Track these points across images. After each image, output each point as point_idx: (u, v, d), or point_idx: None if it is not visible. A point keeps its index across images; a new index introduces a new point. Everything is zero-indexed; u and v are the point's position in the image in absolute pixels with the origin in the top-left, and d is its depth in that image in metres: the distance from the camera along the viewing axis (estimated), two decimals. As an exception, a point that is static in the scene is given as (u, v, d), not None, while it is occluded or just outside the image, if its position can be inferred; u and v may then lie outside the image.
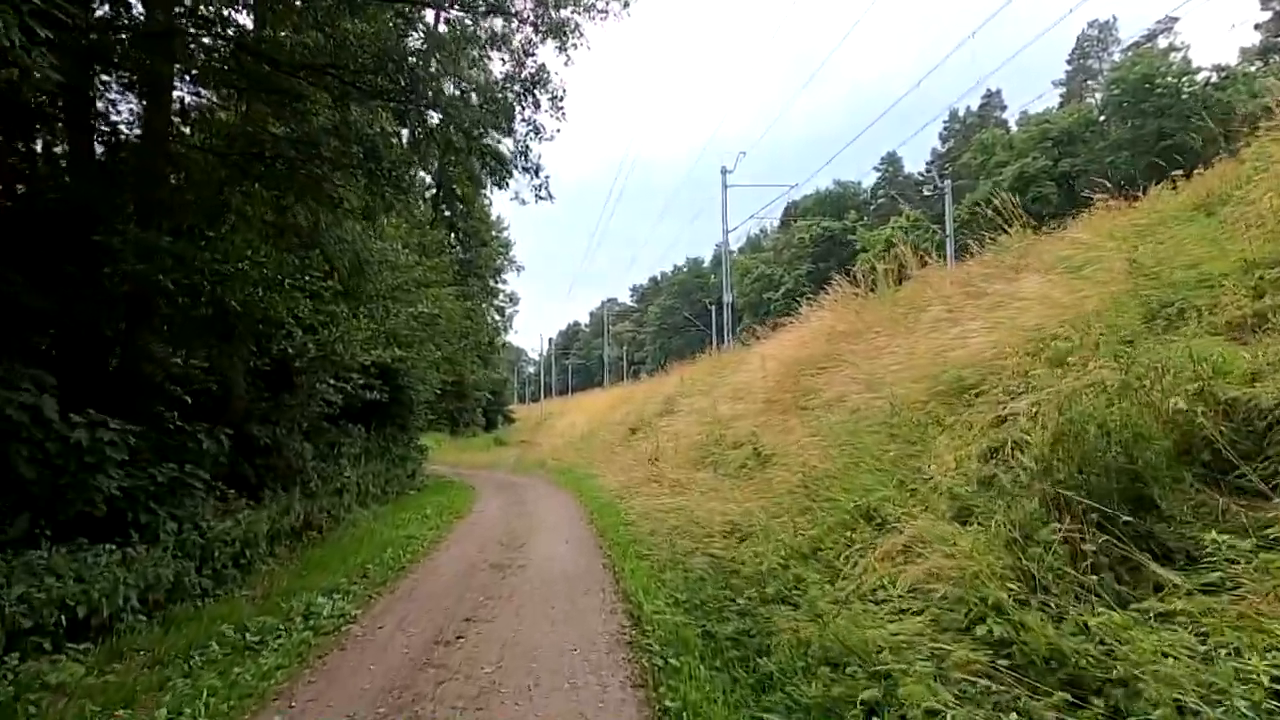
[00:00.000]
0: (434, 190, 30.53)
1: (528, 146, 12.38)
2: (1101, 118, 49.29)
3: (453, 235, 30.32)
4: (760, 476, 9.14)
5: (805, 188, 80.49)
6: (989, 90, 68.67)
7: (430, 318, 14.12)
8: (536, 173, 12.33)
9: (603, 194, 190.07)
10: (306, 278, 9.69)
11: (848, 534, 5.63)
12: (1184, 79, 43.90)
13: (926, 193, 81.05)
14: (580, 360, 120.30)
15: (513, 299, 51.31)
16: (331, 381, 10.68)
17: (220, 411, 10.64)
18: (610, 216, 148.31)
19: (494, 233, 43.01)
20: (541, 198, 12.10)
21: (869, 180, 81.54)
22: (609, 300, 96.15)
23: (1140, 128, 45.72)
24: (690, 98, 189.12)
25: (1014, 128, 58.95)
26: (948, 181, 36.99)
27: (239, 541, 8.31)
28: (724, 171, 34.52)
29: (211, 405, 10.50)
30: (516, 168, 12.47)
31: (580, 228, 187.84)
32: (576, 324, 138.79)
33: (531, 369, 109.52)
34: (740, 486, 9.07)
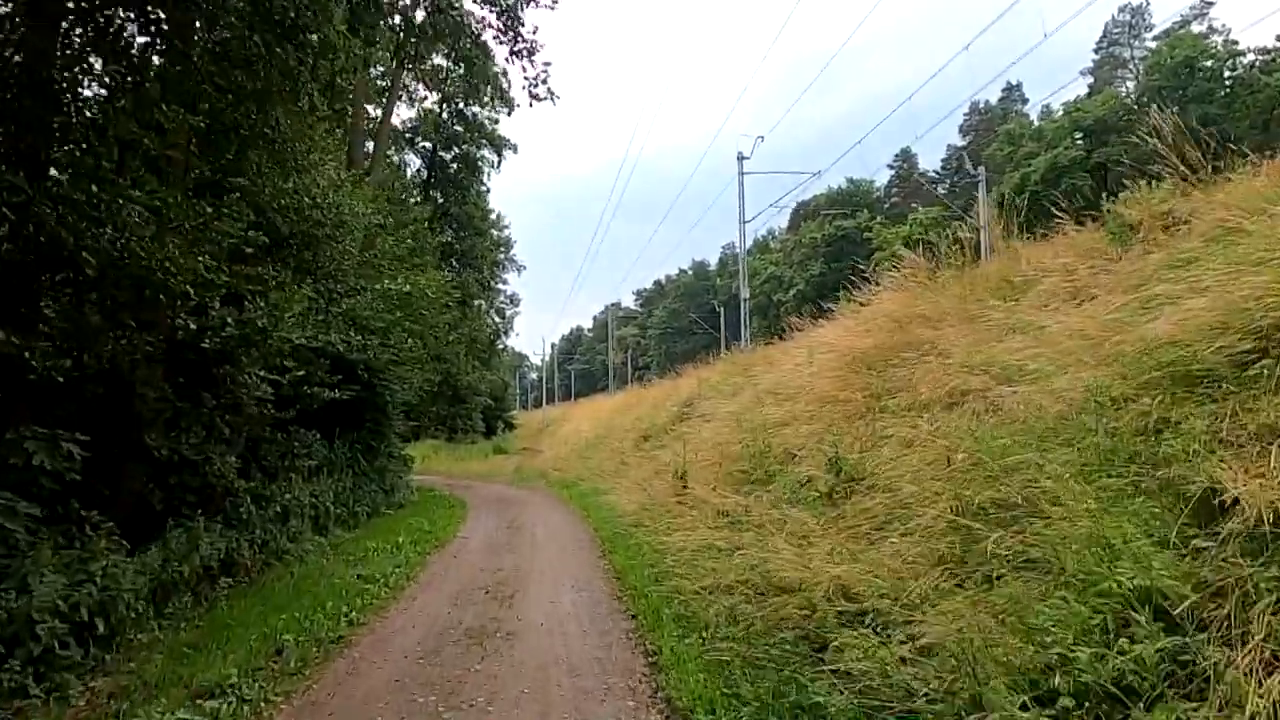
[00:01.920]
0: (424, 173, 27.94)
1: (518, 17, 9.14)
2: (1136, 106, 46.57)
3: (444, 223, 27.67)
4: (852, 506, 6.40)
5: (816, 186, 77.77)
6: (1009, 83, 66.04)
7: (403, 299, 11.41)
8: (531, 54, 8.90)
9: (604, 195, 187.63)
10: (217, 223, 7.02)
11: (1127, 644, 2.91)
12: (1228, 61, 41.23)
13: (941, 191, 78.75)
14: (584, 365, 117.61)
15: (513, 300, 48.72)
16: (261, 373, 8.00)
17: (122, 416, 8.00)
18: (612, 218, 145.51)
19: (494, 230, 40.58)
20: (539, 96, 8.93)
21: (882, 178, 79.05)
22: (612, 304, 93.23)
23: (1181, 114, 43.01)
24: (694, 99, 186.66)
25: (1036, 122, 56.22)
26: (981, 169, 34.17)
27: (90, 606, 5.60)
28: (740, 158, 31.82)
29: (103, 406, 7.87)
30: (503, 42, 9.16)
31: (582, 228, 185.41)
32: (579, 329, 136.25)
33: (534, 375, 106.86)
34: (826, 522, 6.34)
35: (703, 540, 7.56)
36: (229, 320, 7.25)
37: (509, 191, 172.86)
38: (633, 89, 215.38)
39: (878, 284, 12.70)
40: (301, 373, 8.29)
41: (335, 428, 12.76)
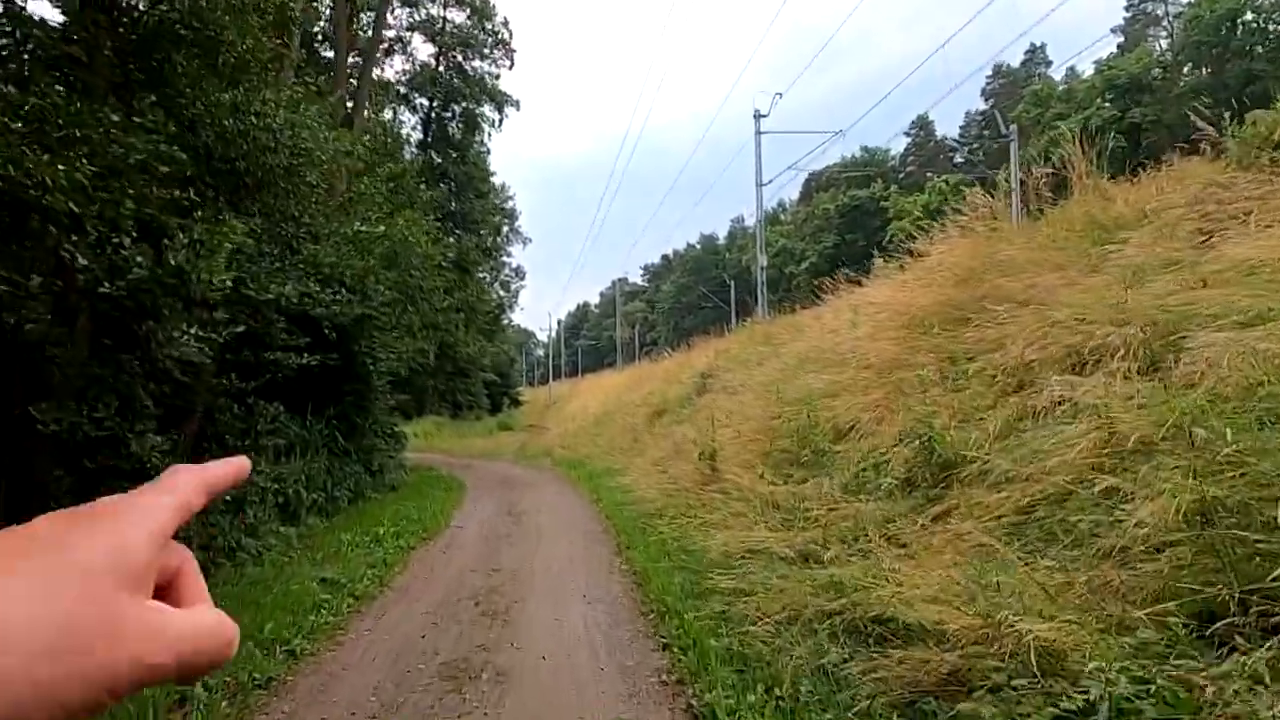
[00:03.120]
0: (421, 132, 26.09)
1: None
2: (1174, 63, 44.23)
3: (442, 184, 25.81)
4: (963, 500, 4.71)
5: (830, 155, 75.22)
6: (1032, 45, 63.39)
7: (378, 243, 9.57)
8: None
9: (607, 171, 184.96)
10: (121, 134, 5.33)
11: None
12: (1274, 14, 38.82)
13: (959, 160, 76.40)
14: (590, 341, 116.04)
15: (519, 273, 46.99)
16: (193, 330, 6.31)
17: (23, 385, 6.44)
18: (616, 192, 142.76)
19: (498, 200, 38.90)
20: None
21: (898, 146, 76.74)
22: (619, 279, 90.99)
23: (1220, 72, 40.69)
24: (696, 76, 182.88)
25: (1062, 85, 53.77)
26: (1014, 127, 32.16)
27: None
28: (757, 116, 29.89)
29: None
30: None
31: (587, 204, 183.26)
32: (586, 304, 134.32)
33: (540, 351, 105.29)
34: (922, 524, 4.66)
35: (751, 541, 5.90)
36: (139, 260, 5.57)
37: (511, 165, 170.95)
38: (635, 63, 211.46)
39: (941, 231, 10.87)
40: (241, 328, 6.58)
41: (308, 401, 11.13)
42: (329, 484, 11.17)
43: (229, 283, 5.81)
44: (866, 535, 4.97)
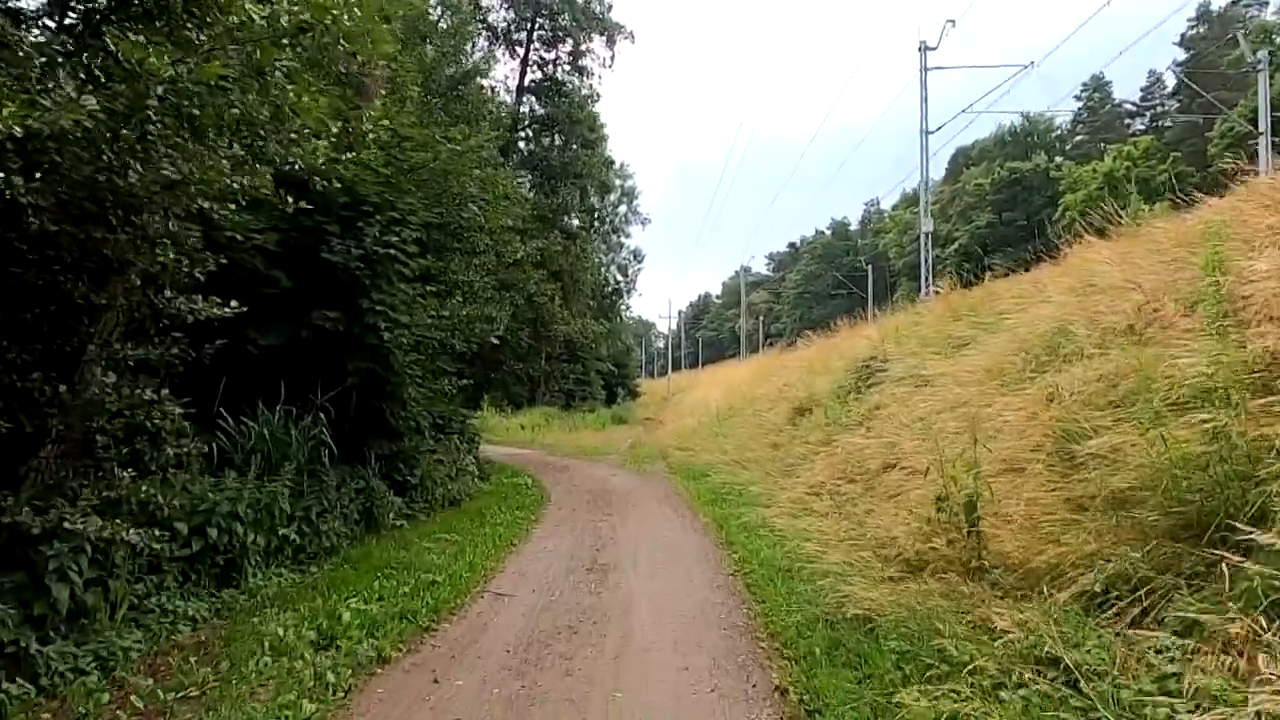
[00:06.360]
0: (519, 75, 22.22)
1: None
2: None
3: (541, 131, 21.86)
4: None
5: (981, 128, 66.89)
6: (1242, -17, 53.23)
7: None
8: None
9: (736, 161, 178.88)
10: None
11: None
12: None
13: (1140, 126, 66.24)
14: (712, 332, 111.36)
15: (637, 256, 43.10)
16: None
17: None
18: (736, 172, 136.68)
19: (618, 179, 35.19)
20: None
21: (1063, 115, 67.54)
22: (743, 267, 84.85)
23: None
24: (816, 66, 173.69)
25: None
26: (1263, 53, 25.04)
27: None
28: (923, 49, 24.26)
29: None
30: None
31: (707, 198, 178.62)
32: (707, 295, 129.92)
33: (660, 343, 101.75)
34: None
35: None
36: None
37: (634, 152, 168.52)
38: (755, 56, 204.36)
39: None
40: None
41: (279, 382, 7.15)
42: (311, 512, 7.14)
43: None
44: None
